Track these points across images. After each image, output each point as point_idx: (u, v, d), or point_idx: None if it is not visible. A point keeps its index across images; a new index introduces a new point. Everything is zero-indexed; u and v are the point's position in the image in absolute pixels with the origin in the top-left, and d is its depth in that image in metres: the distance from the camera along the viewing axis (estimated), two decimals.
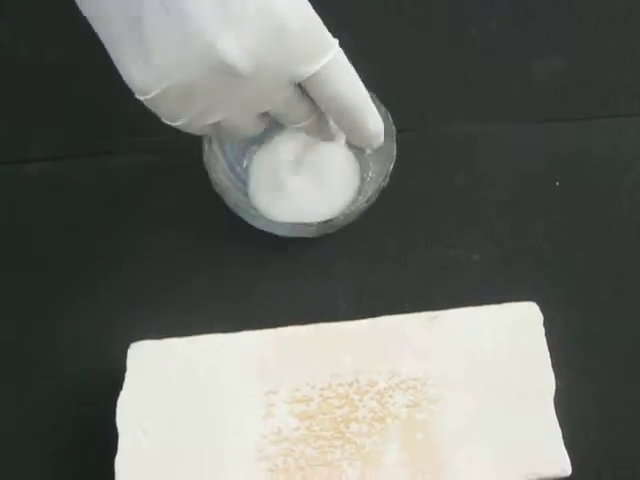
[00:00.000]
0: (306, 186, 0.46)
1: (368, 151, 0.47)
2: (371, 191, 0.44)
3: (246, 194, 0.47)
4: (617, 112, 0.52)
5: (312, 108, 0.38)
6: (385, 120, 0.45)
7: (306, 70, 0.34)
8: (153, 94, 0.33)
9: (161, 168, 0.48)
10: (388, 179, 0.44)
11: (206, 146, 0.44)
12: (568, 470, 0.37)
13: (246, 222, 0.45)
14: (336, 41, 0.35)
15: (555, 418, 0.38)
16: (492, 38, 0.55)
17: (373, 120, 0.38)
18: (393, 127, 0.45)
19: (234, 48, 0.31)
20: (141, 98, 0.34)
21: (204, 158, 0.44)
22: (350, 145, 0.48)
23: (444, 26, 0.56)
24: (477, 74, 0.53)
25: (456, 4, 0.56)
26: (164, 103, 0.34)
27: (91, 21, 0.33)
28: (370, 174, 0.47)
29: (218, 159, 0.45)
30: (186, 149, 0.44)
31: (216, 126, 0.37)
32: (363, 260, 0.46)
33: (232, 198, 0.44)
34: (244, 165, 0.48)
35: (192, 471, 0.37)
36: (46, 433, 0.42)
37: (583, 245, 0.47)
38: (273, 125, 0.44)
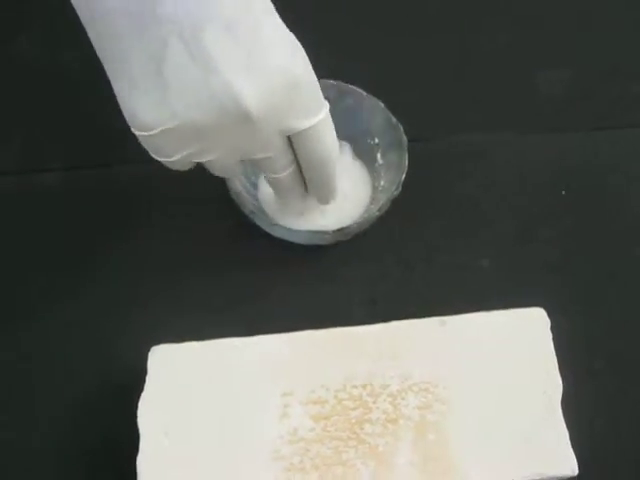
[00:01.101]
0: None
1: (380, 161, 0.49)
2: (383, 200, 0.46)
3: (260, 202, 0.48)
4: (622, 123, 0.54)
5: (292, 160, 0.40)
6: (396, 131, 0.46)
7: (302, 124, 0.37)
8: (158, 130, 0.35)
9: (178, 176, 0.50)
10: (400, 188, 0.45)
11: None
12: (575, 470, 0.38)
13: (261, 230, 0.46)
14: (327, 102, 0.38)
15: (562, 420, 0.39)
16: (500, 51, 0.57)
17: (334, 182, 0.43)
18: (404, 137, 0.46)
19: (250, 93, 0.33)
20: (139, 133, 0.35)
21: None
22: (361, 156, 0.50)
23: (454, 40, 0.57)
24: (485, 86, 0.55)
25: (466, 19, 0.58)
26: (165, 140, 0.36)
27: (97, 47, 0.34)
28: (382, 183, 0.48)
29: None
30: None
31: (201, 163, 0.39)
32: (375, 266, 0.48)
33: (248, 206, 0.45)
34: (258, 174, 0.49)
35: (211, 470, 0.38)
36: (69, 434, 0.43)
37: (589, 252, 0.49)
38: None
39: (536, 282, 0.47)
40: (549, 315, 0.41)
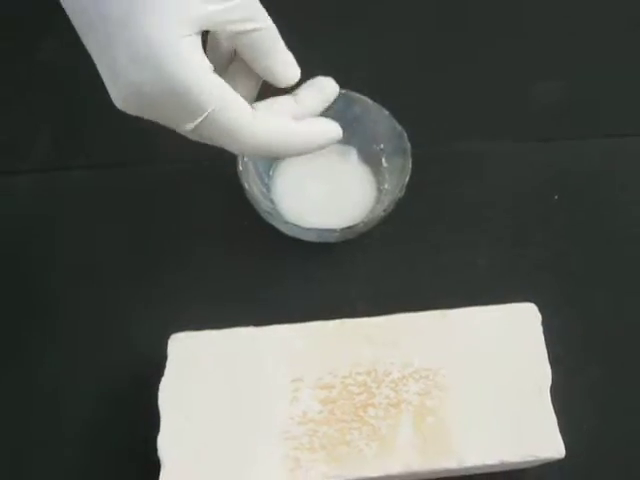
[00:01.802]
0: (329, 196, 0.51)
1: (385, 165, 0.52)
2: (388, 201, 0.49)
3: (273, 202, 0.51)
4: (611, 131, 0.56)
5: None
6: (401, 137, 0.49)
7: (184, 127, 0.37)
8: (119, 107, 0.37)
9: (198, 178, 0.53)
10: (404, 191, 0.48)
11: (240, 159, 0.48)
12: (562, 452, 0.40)
13: (274, 227, 0.49)
14: (210, 107, 0.36)
15: (551, 407, 0.41)
16: (498, 63, 0.59)
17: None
18: (408, 144, 0.49)
19: (116, 99, 0.36)
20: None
21: (238, 169, 0.48)
22: (367, 161, 0.53)
23: (454, 53, 0.59)
24: (484, 96, 0.57)
25: (466, 34, 0.61)
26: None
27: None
28: (386, 186, 0.51)
29: (250, 170, 0.50)
30: (222, 161, 0.48)
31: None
32: (380, 263, 0.50)
33: (263, 206, 0.48)
34: (271, 175, 0.52)
35: (226, 449, 0.40)
36: (93, 418, 0.46)
37: (579, 253, 0.51)
38: None
39: (529, 280, 0.49)
40: (541, 311, 0.44)
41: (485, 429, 0.41)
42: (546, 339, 0.43)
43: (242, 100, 0.37)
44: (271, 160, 0.52)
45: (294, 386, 0.42)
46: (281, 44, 0.39)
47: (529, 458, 0.41)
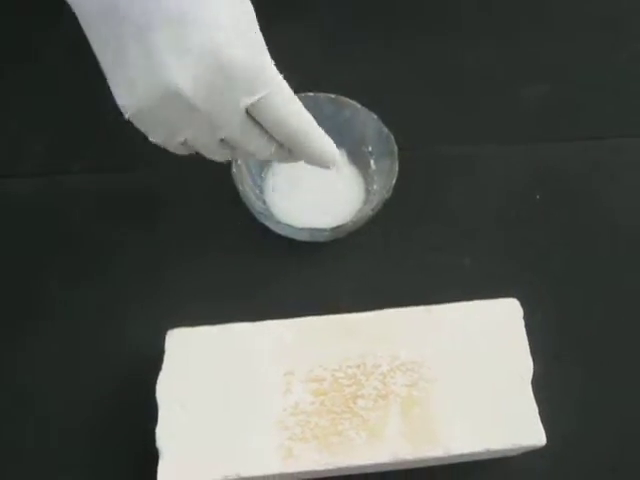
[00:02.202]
0: (319, 197, 0.53)
1: (373, 167, 0.53)
2: (376, 202, 0.50)
3: (266, 203, 0.53)
4: (592, 134, 0.58)
5: (264, 136, 0.41)
6: (388, 140, 0.51)
7: (248, 100, 0.38)
8: (128, 115, 0.38)
9: (195, 181, 0.54)
10: (391, 192, 0.50)
11: (233, 162, 0.50)
12: (543, 440, 0.42)
13: (267, 227, 0.51)
14: (278, 76, 0.38)
15: (532, 397, 0.43)
16: (484, 67, 0.61)
17: (320, 143, 0.42)
18: (395, 147, 0.51)
19: (181, 77, 0.36)
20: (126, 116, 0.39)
21: (232, 171, 0.50)
22: (356, 163, 0.54)
23: (442, 57, 0.61)
24: (470, 100, 0.59)
25: (453, 39, 0.62)
26: (139, 123, 0.39)
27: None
28: (375, 187, 0.53)
29: (243, 172, 0.51)
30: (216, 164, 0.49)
31: (188, 146, 0.41)
32: (368, 261, 0.52)
33: (256, 207, 0.50)
34: (263, 177, 0.54)
35: (222, 439, 0.42)
36: (94, 411, 0.47)
37: (560, 251, 0.53)
38: None
39: (512, 277, 0.51)
40: (523, 306, 0.45)
41: (470, 419, 0.43)
42: (528, 333, 0.45)
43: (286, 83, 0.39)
44: (263, 163, 0.54)
45: (286, 379, 0.44)
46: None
47: (512, 446, 0.42)
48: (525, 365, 0.44)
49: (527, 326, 0.45)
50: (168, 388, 0.43)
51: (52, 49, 0.60)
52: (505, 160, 0.57)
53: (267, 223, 0.51)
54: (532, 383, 0.43)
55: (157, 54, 0.36)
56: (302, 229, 0.50)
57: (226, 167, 0.49)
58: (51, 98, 0.59)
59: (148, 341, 0.45)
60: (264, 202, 0.53)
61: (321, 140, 0.42)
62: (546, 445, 0.42)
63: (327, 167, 0.44)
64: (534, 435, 0.42)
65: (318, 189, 0.53)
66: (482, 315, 0.46)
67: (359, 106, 0.53)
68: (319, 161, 0.43)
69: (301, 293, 0.51)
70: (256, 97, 0.38)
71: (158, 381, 0.43)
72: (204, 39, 0.36)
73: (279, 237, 0.51)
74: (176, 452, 0.42)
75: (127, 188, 0.55)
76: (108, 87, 0.37)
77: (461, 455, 0.42)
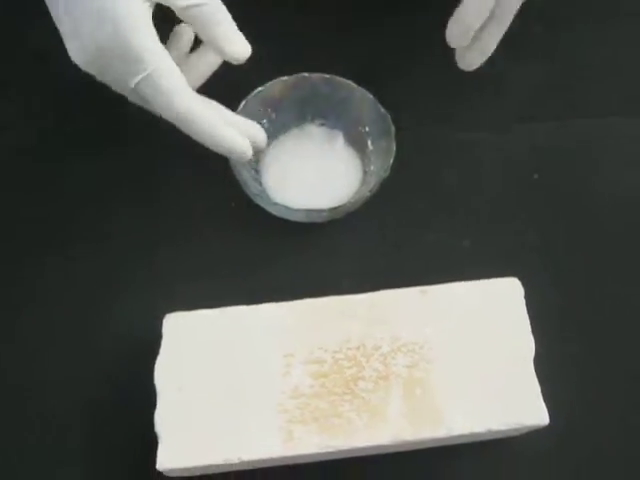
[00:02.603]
0: (316, 178, 0.52)
1: (370, 148, 0.53)
2: (373, 182, 0.50)
3: (262, 185, 0.52)
4: (588, 113, 0.58)
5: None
6: (385, 120, 0.51)
7: (131, 80, 0.42)
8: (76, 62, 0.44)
9: (190, 161, 0.53)
10: (389, 171, 0.49)
11: None
12: (546, 420, 0.42)
13: (263, 209, 0.50)
14: (160, 62, 0.42)
15: (534, 376, 0.43)
16: None
17: (211, 134, 0.44)
18: (392, 126, 0.51)
19: (77, 58, 0.43)
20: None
21: None
22: (353, 143, 0.54)
23: (440, 37, 0.60)
24: (466, 79, 0.58)
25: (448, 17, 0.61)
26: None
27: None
28: (372, 168, 0.52)
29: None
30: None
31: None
32: (366, 243, 0.51)
33: (252, 189, 0.50)
34: (259, 159, 0.53)
35: (222, 423, 0.41)
36: (90, 396, 0.47)
37: (560, 229, 0.53)
38: (280, 126, 0.52)
39: (512, 257, 0.51)
40: (524, 286, 0.45)
41: (472, 399, 0.42)
42: (529, 313, 0.44)
43: (179, 70, 0.43)
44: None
45: (286, 361, 0.43)
46: (226, 20, 0.44)
47: (514, 426, 0.42)
48: (527, 344, 0.44)
49: (528, 305, 0.45)
50: (166, 372, 0.43)
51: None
52: (502, 140, 0.56)
53: (263, 205, 0.50)
54: (534, 362, 0.43)
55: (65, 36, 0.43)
56: (299, 210, 0.50)
57: None
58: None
59: (145, 325, 0.45)
60: (260, 184, 0.52)
61: (212, 130, 0.44)
62: (549, 425, 0.42)
63: (237, 158, 0.46)
64: (537, 414, 0.42)
65: (315, 170, 0.53)
66: (483, 295, 0.45)
67: (355, 86, 0.53)
68: (218, 151, 0.45)
69: (299, 275, 0.50)
70: (136, 78, 0.42)
71: (156, 365, 0.43)
72: (93, 27, 0.41)
73: (275, 219, 0.51)
74: (175, 436, 0.41)
75: (122, 168, 0.54)
76: None
77: (463, 436, 0.42)
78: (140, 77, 0.42)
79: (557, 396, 0.43)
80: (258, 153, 0.53)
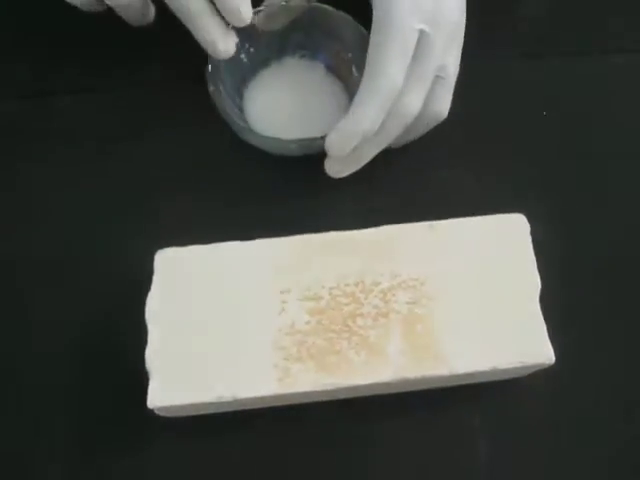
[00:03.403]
0: (302, 110, 0.51)
1: (355, 74, 0.50)
2: None
3: (247, 123, 0.51)
4: (602, 49, 0.56)
5: None
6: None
7: None
8: None
9: (174, 102, 0.53)
10: None
11: (210, 79, 0.48)
12: (552, 358, 0.40)
13: (252, 148, 0.49)
14: None
15: (540, 314, 0.41)
16: None
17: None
18: None
19: None
20: None
21: (210, 88, 0.48)
22: (337, 71, 0.52)
23: None
24: (468, 13, 0.56)
25: None
26: None
27: None
28: None
29: (221, 92, 0.49)
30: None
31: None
32: (366, 179, 0.49)
33: (239, 124, 0.48)
34: (242, 96, 0.52)
35: (215, 360, 0.40)
36: (80, 334, 0.46)
37: (568, 166, 0.51)
38: (259, 60, 0.51)
39: (519, 195, 0.48)
40: (530, 223, 0.43)
41: (475, 337, 0.41)
42: (536, 251, 0.43)
43: None
44: (240, 82, 0.52)
45: (282, 298, 0.42)
46: None
47: (519, 364, 0.40)
48: (532, 282, 0.42)
49: (534, 244, 0.43)
50: (158, 309, 0.41)
51: None
52: (510, 75, 0.54)
53: (252, 141, 0.48)
54: (541, 302, 0.41)
55: None
56: (291, 141, 0.47)
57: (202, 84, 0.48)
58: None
59: (135, 263, 0.43)
60: (245, 121, 0.50)
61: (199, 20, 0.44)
62: (555, 365, 0.40)
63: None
64: (542, 353, 0.40)
65: (300, 103, 0.51)
66: (487, 231, 0.43)
67: (336, 11, 0.50)
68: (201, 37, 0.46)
69: (295, 214, 0.48)
70: None
71: (147, 301, 0.41)
72: None
73: (268, 156, 0.49)
74: (166, 374, 0.40)
75: (109, 108, 0.53)
76: None
77: (466, 375, 0.41)
78: None
79: (563, 334, 0.41)
80: (241, 87, 0.52)
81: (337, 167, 0.48)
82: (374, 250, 0.43)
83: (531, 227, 0.44)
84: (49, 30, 0.55)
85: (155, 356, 0.40)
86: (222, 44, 0.46)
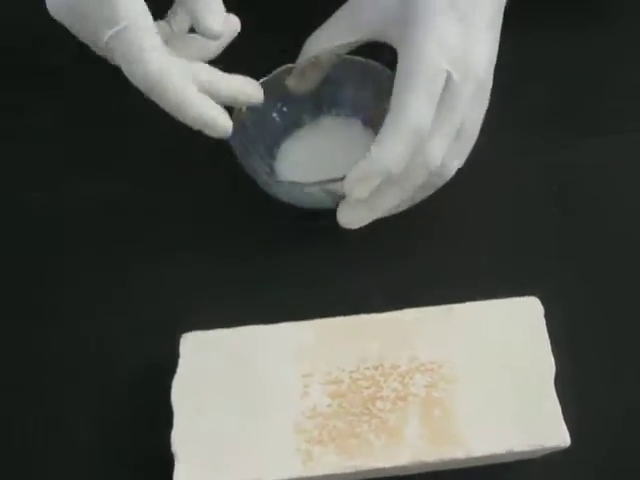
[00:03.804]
0: (336, 167, 0.47)
1: None
2: None
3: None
4: (606, 130, 0.58)
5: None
6: None
7: (103, 35, 0.41)
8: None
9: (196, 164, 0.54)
10: None
11: (238, 146, 0.48)
12: (567, 441, 0.41)
13: (281, 224, 0.50)
14: (126, 21, 0.41)
15: (555, 396, 0.42)
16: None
17: (177, 101, 0.42)
18: None
19: (51, 9, 0.44)
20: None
21: (236, 151, 0.48)
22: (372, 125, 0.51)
23: None
24: None
25: None
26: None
27: None
28: None
29: (249, 151, 0.49)
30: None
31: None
32: (380, 261, 0.51)
33: (261, 178, 0.48)
34: (274, 156, 0.51)
35: (240, 443, 0.41)
36: (106, 415, 0.47)
37: (581, 247, 0.52)
38: (293, 120, 0.50)
39: (532, 277, 0.49)
40: (543, 303, 0.45)
41: (491, 420, 0.42)
42: (550, 330, 0.44)
43: (155, 30, 0.42)
44: (271, 141, 0.51)
45: (304, 381, 0.43)
46: None
47: (535, 447, 0.41)
48: (547, 364, 0.43)
49: (548, 323, 0.44)
50: (183, 392, 0.43)
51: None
52: (520, 157, 0.56)
53: (279, 192, 0.48)
54: (555, 383, 0.42)
55: None
56: (314, 183, 0.45)
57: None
58: None
59: (161, 346, 0.45)
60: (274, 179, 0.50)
61: (177, 96, 0.42)
62: (570, 446, 0.41)
63: (211, 133, 0.44)
64: (558, 436, 0.41)
65: (336, 161, 0.48)
66: (502, 314, 0.45)
67: (371, 63, 0.49)
68: (187, 122, 0.43)
69: (314, 293, 0.49)
70: (109, 32, 0.41)
71: (173, 385, 0.43)
72: None
73: (289, 232, 0.50)
74: (192, 456, 0.41)
75: (129, 186, 0.55)
76: None
77: (483, 457, 0.41)
78: (113, 31, 0.41)
79: (579, 417, 0.42)
80: (273, 148, 0.51)
81: (351, 216, 0.46)
82: (393, 333, 0.44)
83: (545, 308, 0.45)
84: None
85: (181, 439, 0.42)
86: (211, 121, 0.43)
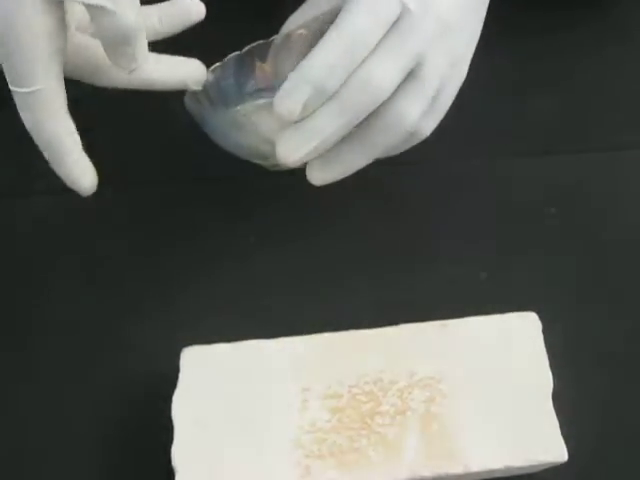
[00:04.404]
0: None
1: None
2: None
3: None
4: (605, 146, 0.58)
5: None
6: None
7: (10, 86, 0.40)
8: None
9: (196, 193, 0.55)
10: None
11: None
12: (565, 456, 0.41)
13: (281, 246, 0.51)
14: (42, 86, 0.39)
15: (553, 411, 0.42)
16: (490, 78, 0.58)
17: (65, 168, 0.42)
18: None
19: None
20: None
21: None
22: None
23: None
24: (481, 111, 0.58)
25: None
26: None
27: None
28: None
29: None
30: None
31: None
32: (380, 277, 0.51)
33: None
34: None
35: (239, 457, 0.41)
36: (105, 429, 0.47)
37: (578, 263, 0.52)
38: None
39: (530, 292, 0.50)
40: (541, 319, 0.45)
41: (489, 435, 0.42)
42: (547, 345, 0.44)
43: (64, 94, 0.41)
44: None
45: (303, 396, 0.43)
46: None
47: (533, 462, 0.42)
48: (545, 380, 0.43)
49: (546, 338, 0.44)
50: (184, 406, 0.43)
51: None
52: (518, 173, 0.56)
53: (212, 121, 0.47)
54: (553, 398, 0.43)
55: None
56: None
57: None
58: None
59: (161, 360, 0.45)
60: None
61: (61, 160, 0.42)
62: (568, 461, 0.41)
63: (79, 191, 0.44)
64: (555, 451, 0.42)
65: None
66: (500, 329, 0.45)
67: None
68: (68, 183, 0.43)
69: (314, 310, 0.50)
70: (18, 89, 0.40)
71: (173, 399, 0.43)
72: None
73: (290, 253, 0.51)
74: (192, 471, 0.41)
75: (129, 203, 0.55)
76: None
77: (480, 472, 0.42)
78: (23, 91, 0.39)
79: (576, 432, 0.42)
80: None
81: (287, 143, 0.43)
82: (391, 348, 0.45)
83: (543, 323, 0.45)
84: None
85: (181, 453, 0.42)
86: (78, 185, 0.44)
